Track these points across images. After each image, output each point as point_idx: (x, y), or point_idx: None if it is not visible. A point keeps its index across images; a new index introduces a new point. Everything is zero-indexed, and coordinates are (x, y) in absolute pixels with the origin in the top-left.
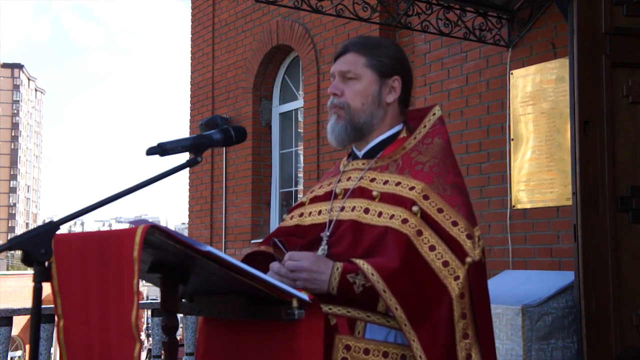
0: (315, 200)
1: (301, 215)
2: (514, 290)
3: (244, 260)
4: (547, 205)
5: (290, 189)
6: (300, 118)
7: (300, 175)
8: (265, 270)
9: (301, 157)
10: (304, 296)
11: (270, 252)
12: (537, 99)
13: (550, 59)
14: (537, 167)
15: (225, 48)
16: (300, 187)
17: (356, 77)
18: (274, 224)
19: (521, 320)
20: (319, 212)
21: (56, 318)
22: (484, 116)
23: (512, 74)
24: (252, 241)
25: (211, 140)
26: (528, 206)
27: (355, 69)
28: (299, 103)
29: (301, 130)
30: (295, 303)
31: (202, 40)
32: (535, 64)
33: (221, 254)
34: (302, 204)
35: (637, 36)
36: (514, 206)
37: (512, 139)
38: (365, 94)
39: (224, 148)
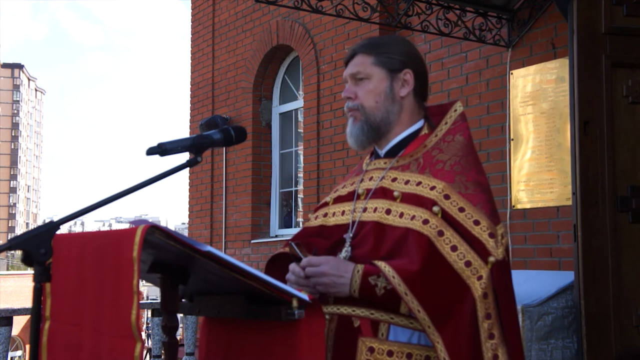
0: (338, 200)
1: (325, 215)
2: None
3: (269, 263)
4: (547, 205)
5: (290, 189)
6: (300, 118)
7: (300, 175)
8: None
9: (301, 157)
10: (304, 296)
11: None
12: (537, 99)
13: (550, 59)
14: (537, 167)
15: (225, 48)
16: (300, 187)
17: (366, 76)
18: (274, 224)
19: (521, 320)
20: (342, 213)
21: (43, 320)
22: (484, 116)
23: (512, 74)
24: (252, 241)
25: (211, 140)
26: (528, 206)
27: (364, 69)
28: (299, 103)
29: (301, 130)
30: (295, 303)
31: (202, 40)
32: (535, 64)
33: (221, 254)
34: (326, 204)
35: (637, 36)
36: (514, 206)
37: (512, 139)
38: (377, 92)
39: (224, 148)
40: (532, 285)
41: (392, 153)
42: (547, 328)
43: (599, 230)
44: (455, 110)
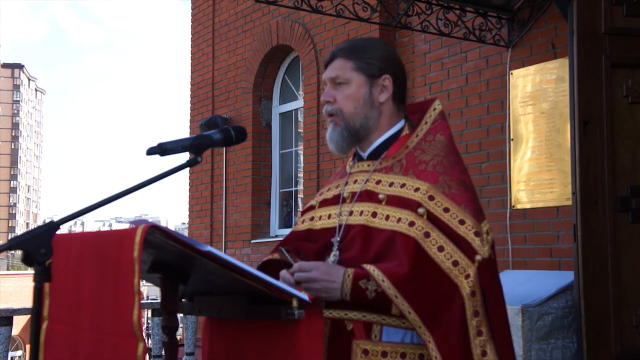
0: (324, 203)
1: (312, 219)
2: (514, 290)
3: (258, 269)
4: (547, 205)
5: (290, 189)
6: (300, 118)
7: (300, 175)
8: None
9: (301, 157)
10: (304, 296)
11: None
12: (537, 99)
13: (550, 59)
14: (537, 167)
15: (225, 48)
16: (300, 187)
17: (345, 81)
18: (274, 224)
19: (521, 320)
20: (329, 216)
21: (41, 320)
22: (484, 116)
23: (512, 74)
24: (252, 241)
25: (211, 140)
26: (528, 206)
27: (343, 74)
28: (299, 103)
29: (301, 130)
30: (295, 303)
31: (202, 40)
32: (535, 64)
33: (221, 254)
34: (312, 208)
35: (637, 36)
36: (513, 206)
37: (512, 139)
38: (356, 97)
39: (224, 148)
40: (532, 285)
41: (374, 155)
42: (547, 328)
43: (599, 230)
44: (435, 109)
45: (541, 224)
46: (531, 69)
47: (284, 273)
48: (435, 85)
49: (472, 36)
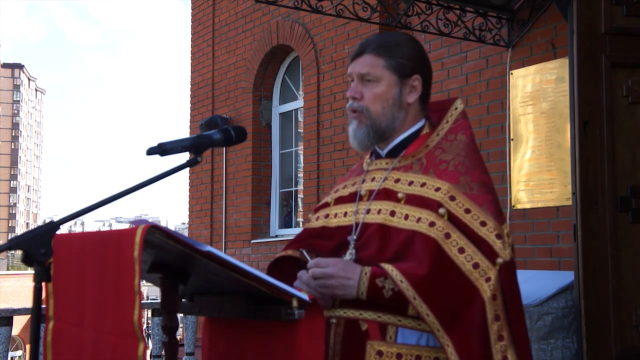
0: (340, 201)
1: (327, 216)
2: None
3: (271, 265)
4: (547, 205)
5: (290, 189)
6: (300, 118)
7: (300, 175)
8: (293, 275)
9: (301, 157)
10: (304, 296)
11: (297, 256)
12: (537, 99)
13: (550, 59)
14: (537, 167)
15: (225, 48)
16: (300, 187)
17: (375, 79)
18: (274, 224)
19: None
20: (345, 214)
21: (47, 320)
22: (484, 116)
23: (512, 74)
24: (252, 241)
25: (211, 140)
26: (528, 206)
27: (374, 72)
28: (299, 103)
29: (301, 130)
30: (295, 303)
31: (202, 40)
32: (535, 64)
33: (221, 254)
34: (327, 205)
35: (637, 36)
36: (513, 206)
37: (512, 139)
38: (386, 97)
39: (224, 148)
40: (532, 285)
41: (393, 153)
42: (547, 328)
43: (598, 230)
44: (456, 109)
45: (541, 224)
46: (531, 69)
47: (301, 273)
48: (435, 85)
49: (472, 36)
